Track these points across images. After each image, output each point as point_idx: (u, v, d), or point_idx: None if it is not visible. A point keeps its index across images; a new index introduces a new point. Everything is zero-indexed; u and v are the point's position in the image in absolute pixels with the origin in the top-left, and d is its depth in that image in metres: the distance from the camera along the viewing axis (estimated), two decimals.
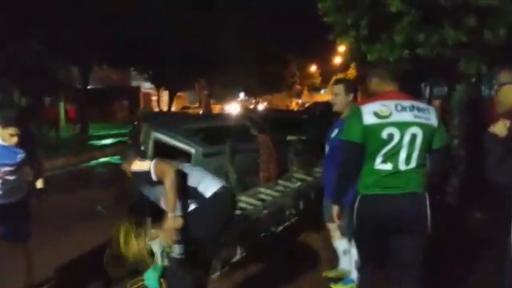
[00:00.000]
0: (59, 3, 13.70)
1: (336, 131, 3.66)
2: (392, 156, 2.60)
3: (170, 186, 3.06)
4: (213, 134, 5.75)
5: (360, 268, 3.00)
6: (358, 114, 2.66)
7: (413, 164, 2.62)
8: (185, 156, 5.21)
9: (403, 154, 2.60)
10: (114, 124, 26.24)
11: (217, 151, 5.36)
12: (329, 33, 6.09)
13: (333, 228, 4.02)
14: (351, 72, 32.24)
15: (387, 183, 2.61)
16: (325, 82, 53.47)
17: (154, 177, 3.17)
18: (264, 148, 5.74)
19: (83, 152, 14.33)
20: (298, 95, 53.37)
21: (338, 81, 3.96)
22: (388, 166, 2.61)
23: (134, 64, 21.87)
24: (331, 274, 4.18)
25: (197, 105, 42.97)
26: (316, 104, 23.97)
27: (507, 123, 2.22)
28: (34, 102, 18.04)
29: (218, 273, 4.24)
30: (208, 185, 3.25)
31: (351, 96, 3.77)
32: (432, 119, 2.67)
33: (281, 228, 5.20)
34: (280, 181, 6.05)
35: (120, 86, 34.55)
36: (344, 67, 33.15)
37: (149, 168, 3.19)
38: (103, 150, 15.54)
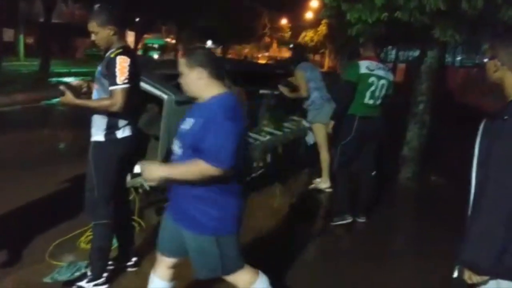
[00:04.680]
0: None
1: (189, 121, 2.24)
2: (372, 95, 4.38)
3: (113, 105, 2.82)
4: None
5: (339, 171, 4.66)
6: (358, 65, 4.40)
7: (380, 101, 4.46)
8: (157, 102, 5.12)
9: (377, 95, 4.41)
10: (74, 61, 25.30)
11: (190, 99, 5.29)
12: None
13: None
14: (322, 29, 32.00)
15: (370, 111, 4.44)
16: (294, 37, 52.95)
17: (117, 81, 2.81)
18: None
19: (44, 89, 13.81)
20: (267, 48, 52.84)
21: (183, 54, 2.31)
22: (371, 101, 4.41)
23: (100, 1, 20.77)
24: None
25: None
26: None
27: None
28: None
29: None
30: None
31: (205, 72, 2.20)
32: (391, 76, 4.57)
33: (248, 179, 5.30)
34: (250, 134, 6.10)
35: (82, 23, 32.92)
36: (316, 23, 32.81)
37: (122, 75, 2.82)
38: None
